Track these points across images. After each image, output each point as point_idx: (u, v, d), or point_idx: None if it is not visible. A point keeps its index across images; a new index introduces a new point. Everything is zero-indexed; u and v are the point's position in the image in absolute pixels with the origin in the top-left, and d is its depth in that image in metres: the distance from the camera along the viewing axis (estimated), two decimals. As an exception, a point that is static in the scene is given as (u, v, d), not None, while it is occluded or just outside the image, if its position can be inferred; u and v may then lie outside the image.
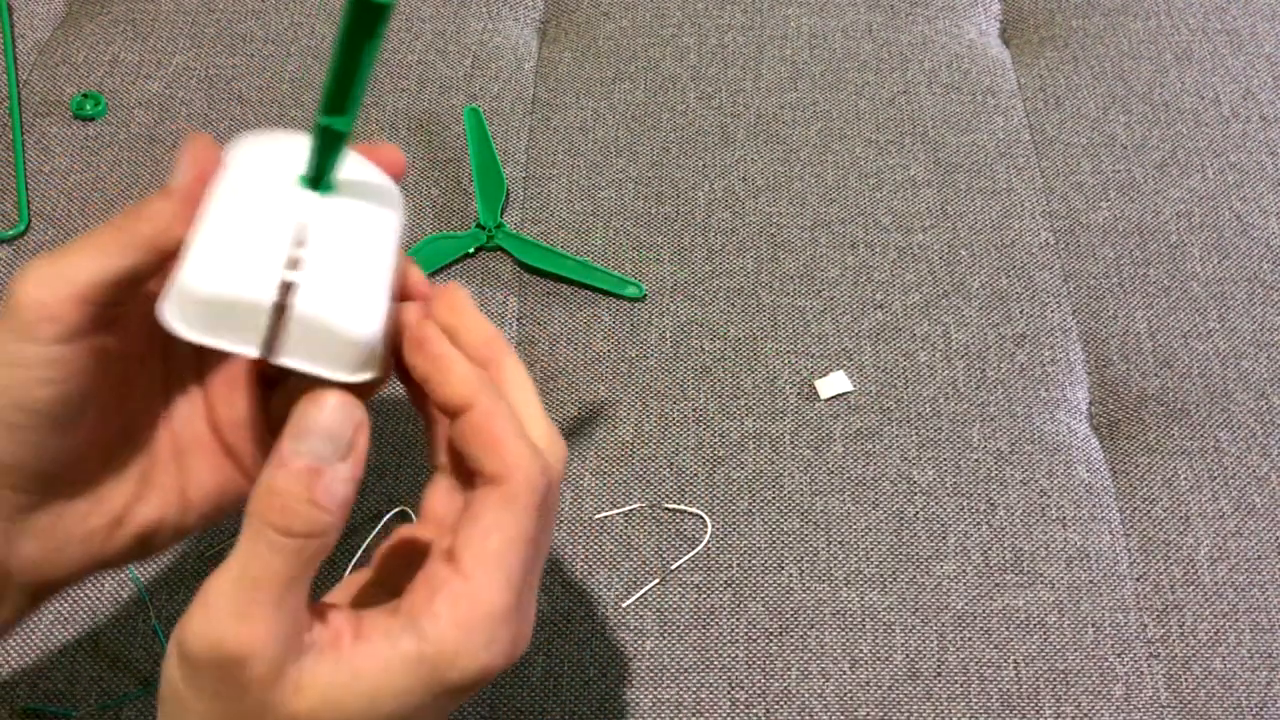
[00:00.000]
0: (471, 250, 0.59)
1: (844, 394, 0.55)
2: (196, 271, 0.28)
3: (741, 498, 0.52)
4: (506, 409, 0.29)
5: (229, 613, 0.26)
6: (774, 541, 0.51)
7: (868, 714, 0.48)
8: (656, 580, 0.50)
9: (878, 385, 0.56)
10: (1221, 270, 0.60)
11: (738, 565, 0.51)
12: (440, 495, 0.32)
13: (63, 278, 0.28)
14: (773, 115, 0.66)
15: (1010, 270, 0.60)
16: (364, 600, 0.31)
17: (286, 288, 0.28)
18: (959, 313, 0.58)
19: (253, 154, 0.30)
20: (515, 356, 0.32)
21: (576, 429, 0.55)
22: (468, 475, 0.30)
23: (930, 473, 0.53)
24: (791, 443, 0.54)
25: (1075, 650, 0.49)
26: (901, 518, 0.52)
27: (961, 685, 0.48)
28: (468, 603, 0.27)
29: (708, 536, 0.52)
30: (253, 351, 0.28)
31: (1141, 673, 0.49)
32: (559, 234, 0.61)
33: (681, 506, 0.52)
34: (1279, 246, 0.61)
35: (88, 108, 0.64)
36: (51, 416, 0.29)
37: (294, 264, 0.28)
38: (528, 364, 0.56)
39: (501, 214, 0.61)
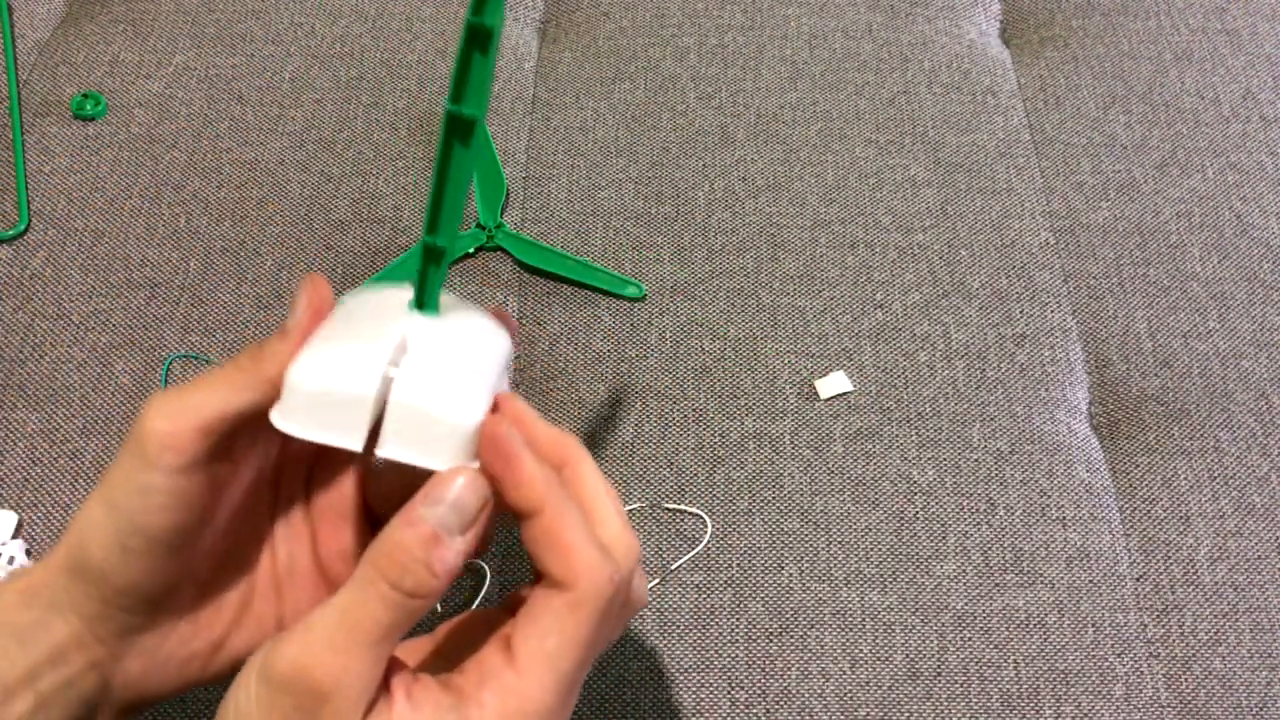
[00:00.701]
0: (471, 250, 0.59)
1: (844, 394, 0.55)
2: (302, 370, 0.29)
3: (741, 498, 0.52)
4: (576, 514, 0.29)
5: (327, 645, 0.27)
6: (774, 541, 0.51)
7: (868, 714, 0.48)
8: (656, 580, 0.50)
9: (878, 385, 0.56)
10: (1221, 270, 0.60)
11: (738, 565, 0.51)
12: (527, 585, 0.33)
13: (186, 411, 0.29)
14: (773, 115, 0.66)
15: (1010, 270, 0.60)
16: (421, 668, 0.32)
17: (388, 385, 0.29)
18: (959, 313, 0.58)
19: (364, 293, 0.32)
20: (589, 456, 0.32)
21: (576, 429, 0.55)
22: (535, 570, 0.30)
23: (930, 473, 0.53)
24: (791, 443, 0.54)
25: (1075, 650, 0.49)
26: (901, 518, 0.52)
27: (961, 685, 0.48)
28: (516, 698, 0.28)
29: (708, 536, 0.52)
30: (356, 445, 0.29)
31: (1141, 673, 0.49)
32: (559, 234, 0.61)
33: (681, 506, 0.52)
34: (1279, 246, 0.61)
35: (88, 108, 0.64)
36: (166, 543, 0.30)
37: (395, 364, 0.29)
38: (528, 364, 0.56)
39: (501, 214, 0.61)
